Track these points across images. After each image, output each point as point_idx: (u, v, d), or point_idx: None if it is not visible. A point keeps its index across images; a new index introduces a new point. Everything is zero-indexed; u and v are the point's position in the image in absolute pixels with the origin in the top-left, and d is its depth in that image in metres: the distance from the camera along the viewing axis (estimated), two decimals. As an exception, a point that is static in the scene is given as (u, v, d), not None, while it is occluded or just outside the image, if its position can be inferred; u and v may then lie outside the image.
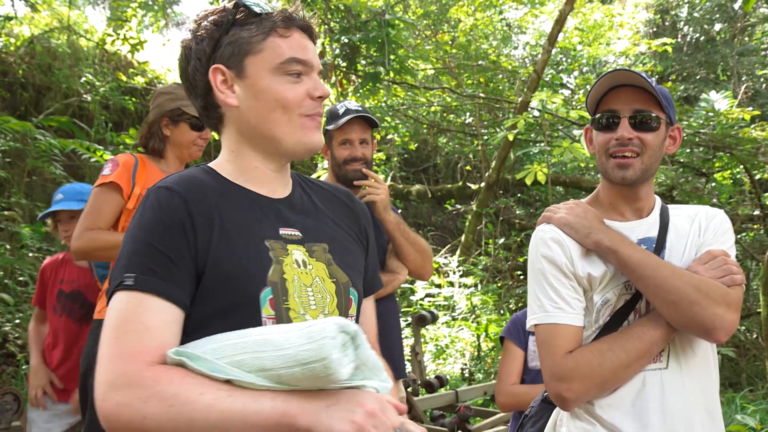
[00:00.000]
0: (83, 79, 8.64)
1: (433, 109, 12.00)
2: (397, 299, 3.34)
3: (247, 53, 1.47)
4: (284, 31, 1.48)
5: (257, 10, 1.49)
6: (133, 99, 8.87)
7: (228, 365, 1.26)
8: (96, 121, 8.17)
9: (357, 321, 1.58)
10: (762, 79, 13.68)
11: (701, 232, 1.92)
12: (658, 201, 2.02)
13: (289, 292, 1.42)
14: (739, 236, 9.24)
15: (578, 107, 9.70)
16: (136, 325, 1.29)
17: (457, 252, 10.16)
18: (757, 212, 9.36)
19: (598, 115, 1.93)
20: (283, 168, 1.57)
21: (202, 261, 1.37)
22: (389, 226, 3.06)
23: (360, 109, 3.11)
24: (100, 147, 6.39)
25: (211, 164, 1.55)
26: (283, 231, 1.49)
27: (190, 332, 1.36)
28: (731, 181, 9.82)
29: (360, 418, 1.23)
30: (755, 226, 9.58)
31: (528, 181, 7.22)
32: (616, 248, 1.81)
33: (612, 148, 1.89)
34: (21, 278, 6.34)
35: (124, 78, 9.19)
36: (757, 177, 9.26)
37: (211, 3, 8.04)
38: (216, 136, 1.65)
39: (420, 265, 3.14)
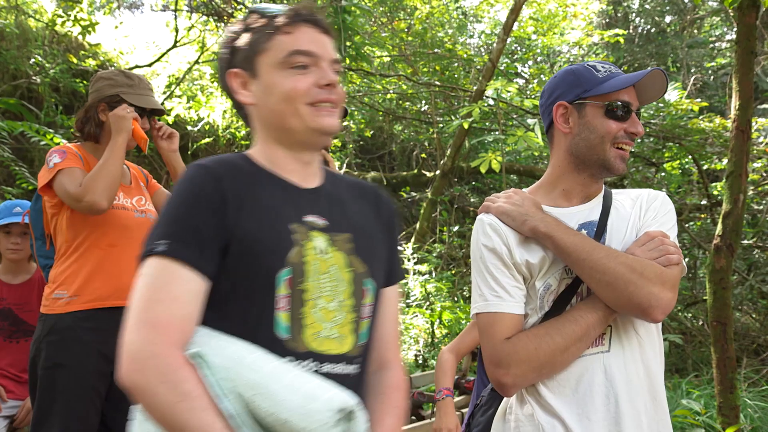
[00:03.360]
0: (32, 60, 8.42)
1: (388, 96, 12.00)
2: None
3: (256, 53, 1.59)
4: (289, 27, 1.58)
5: (267, 12, 1.60)
6: (84, 82, 8.67)
7: (231, 395, 1.33)
8: (46, 103, 7.97)
9: (374, 310, 1.64)
10: (710, 71, 13.99)
11: (641, 214, 1.95)
12: (603, 186, 2.04)
13: (307, 275, 1.49)
14: (686, 225, 9.47)
15: (532, 96, 9.80)
16: (166, 294, 1.39)
17: (412, 239, 10.21)
18: (704, 202, 9.59)
19: (611, 103, 1.91)
20: (310, 159, 1.66)
21: (228, 236, 1.45)
22: None
23: None
24: (50, 130, 6.23)
25: (246, 152, 1.65)
26: (308, 218, 1.56)
27: (211, 305, 1.44)
28: (680, 171, 10.05)
29: None
30: (702, 216, 9.82)
31: (482, 170, 7.27)
32: (551, 234, 1.83)
33: (621, 138, 1.90)
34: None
35: (74, 60, 8.98)
36: (705, 167, 9.49)
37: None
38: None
39: None
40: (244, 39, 1.60)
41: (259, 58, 1.58)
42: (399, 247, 1.81)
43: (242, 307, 1.44)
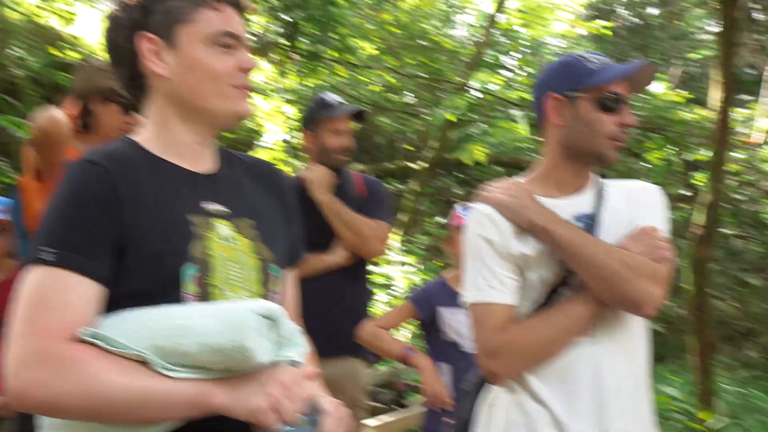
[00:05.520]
0: (12, 52, 8.34)
1: (374, 88, 11.97)
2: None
3: (178, 22, 1.45)
4: (216, 3, 1.47)
5: None
6: (66, 74, 8.60)
7: (145, 350, 1.26)
8: (26, 96, 7.90)
9: (281, 297, 1.60)
10: (694, 63, 14.05)
11: (635, 207, 1.97)
12: (595, 176, 2.06)
13: (212, 268, 1.42)
14: (670, 216, 9.49)
15: (518, 88, 9.81)
16: (55, 302, 1.27)
17: (397, 231, 10.22)
18: (686, 192, 9.65)
19: (604, 95, 1.91)
20: (209, 141, 1.56)
21: (124, 236, 1.35)
22: (322, 206, 3.20)
23: (344, 102, 3.40)
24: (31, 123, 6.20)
25: (133, 137, 1.53)
26: (208, 206, 1.48)
27: (114, 310, 1.34)
28: (663, 161, 10.09)
29: (273, 390, 1.28)
30: (684, 206, 9.87)
31: (467, 161, 7.31)
32: (547, 227, 1.85)
33: (616, 133, 1.92)
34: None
35: (55, 52, 8.90)
36: (687, 158, 9.54)
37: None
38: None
39: (358, 246, 3.25)
40: (162, 2, 1.46)
41: (181, 27, 1.45)
42: (298, 230, 1.75)
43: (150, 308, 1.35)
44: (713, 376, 4.28)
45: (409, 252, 9.59)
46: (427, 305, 3.39)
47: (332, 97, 3.41)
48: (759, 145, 8.67)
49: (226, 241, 1.46)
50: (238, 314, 1.27)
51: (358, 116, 3.41)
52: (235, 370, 1.29)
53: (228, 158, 1.64)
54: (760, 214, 8.97)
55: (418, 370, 3.27)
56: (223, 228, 1.47)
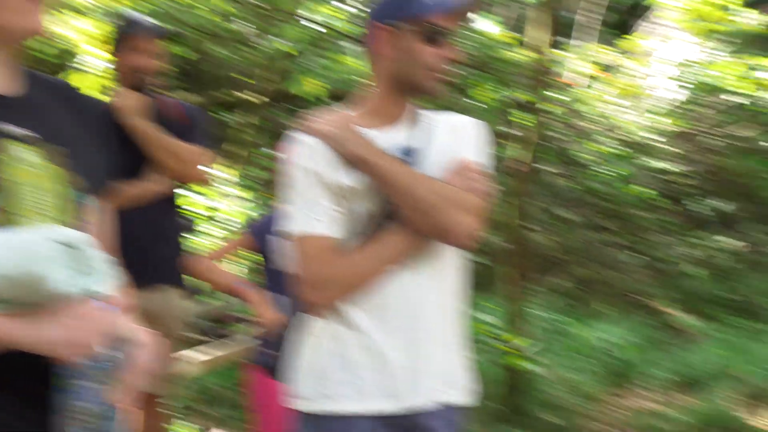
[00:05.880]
0: None
1: (205, 13, 11.48)
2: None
3: None
4: None
5: None
6: None
7: None
8: None
9: (92, 226, 1.52)
10: (524, 6, 14.57)
11: (456, 140, 2.03)
12: (418, 109, 2.09)
13: (13, 195, 1.32)
14: (494, 152, 9.94)
15: (358, 23, 9.77)
16: None
17: (229, 163, 10.04)
18: (508, 129, 10.09)
19: (429, 27, 1.93)
20: (12, 61, 1.44)
21: None
22: (135, 131, 3.05)
23: (151, 20, 3.30)
24: None
25: None
26: (8, 128, 1.36)
27: None
28: (490, 99, 10.47)
29: (71, 321, 1.22)
30: (508, 143, 10.35)
31: (301, 93, 7.24)
32: (366, 158, 1.88)
33: (439, 64, 1.94)
34: None
35: None
36: (511, 96, 9.95)
37: None
38: None
39: (176, 171, 3.16)
40: None
41: None
42: (111, 154, 1.67)
43: None
44: (527, 304, 4.61)
45: (245, 187, 9.46)
46: (263, 236, 3.38)
47: (136, 15, 3.30)
48: (571, 86, 9.23)
49: (30, 167, 1.36)
50: (32, 241, 1.19)
51: (168, 38, 3.36)
52: (32, 301, 1.21)
53: (35, 81, 1.52)
54: (570, 152, 9.60)
55: (250, 303, 3.26)
56: (27, 153, 1.36)
